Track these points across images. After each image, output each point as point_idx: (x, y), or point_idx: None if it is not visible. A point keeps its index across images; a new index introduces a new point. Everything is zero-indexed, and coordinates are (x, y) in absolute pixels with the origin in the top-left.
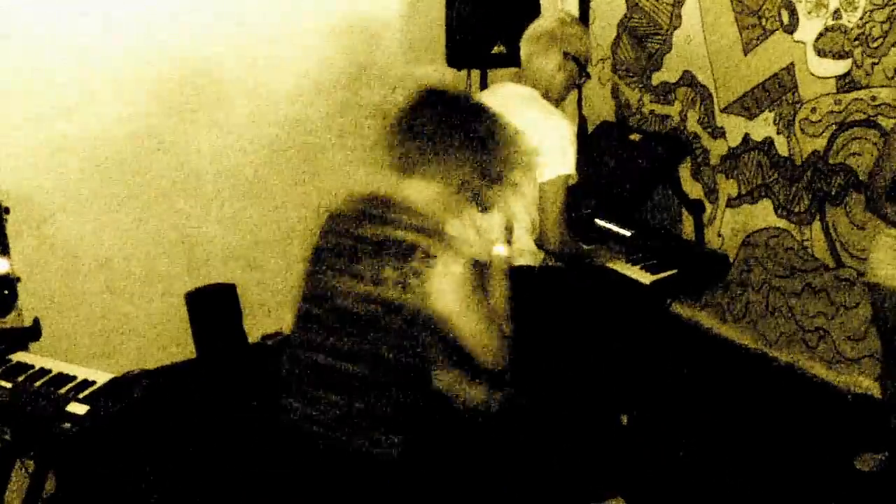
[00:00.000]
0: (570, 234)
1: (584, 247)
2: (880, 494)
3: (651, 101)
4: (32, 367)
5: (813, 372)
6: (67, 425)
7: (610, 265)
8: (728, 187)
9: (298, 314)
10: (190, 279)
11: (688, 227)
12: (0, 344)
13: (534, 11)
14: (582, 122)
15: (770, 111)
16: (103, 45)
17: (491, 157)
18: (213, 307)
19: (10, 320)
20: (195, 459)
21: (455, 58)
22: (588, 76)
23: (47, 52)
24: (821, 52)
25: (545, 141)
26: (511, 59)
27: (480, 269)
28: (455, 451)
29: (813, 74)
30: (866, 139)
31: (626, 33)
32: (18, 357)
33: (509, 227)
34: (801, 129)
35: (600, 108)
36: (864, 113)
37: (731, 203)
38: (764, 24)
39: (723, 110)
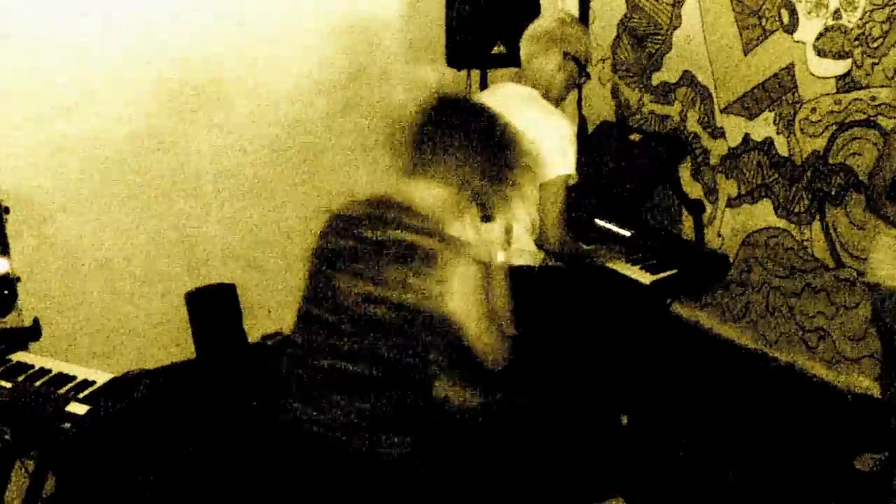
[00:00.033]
0: (570, 234)
1: (584, 247)
2: (880, 494)
3: (651, 101)
4: (32, 366)
5: (813, 372)
6: (67, 425)
7: (610, 265)
8: (728, 187)
9: (300, 315)
10: (190, 279)
11: (688, 227)
12: (0, 344)
13: (534, 11)
14: (582, 122)
15: (770, 111)
16: (103, 45)
17: (495, 160)
18: (212, 307)
19: (10, 320)
20: (195, 459)
21: (455, 58)
22: (588, 76)
23: (47, 52)
24: (821, 52)
25: (545, 141)
26: (511, 59)
27: (482, 271)
28: (456, 451)
29: (813, 74)
30: (866, 139)
31: (626, 33)
32: (18, 357)
33: (508, 229)
34: (801, 129)
35: (600, 108)
36: (864, 113)
37: (731, 203)
38: (764, 24)
39: (723, 110)
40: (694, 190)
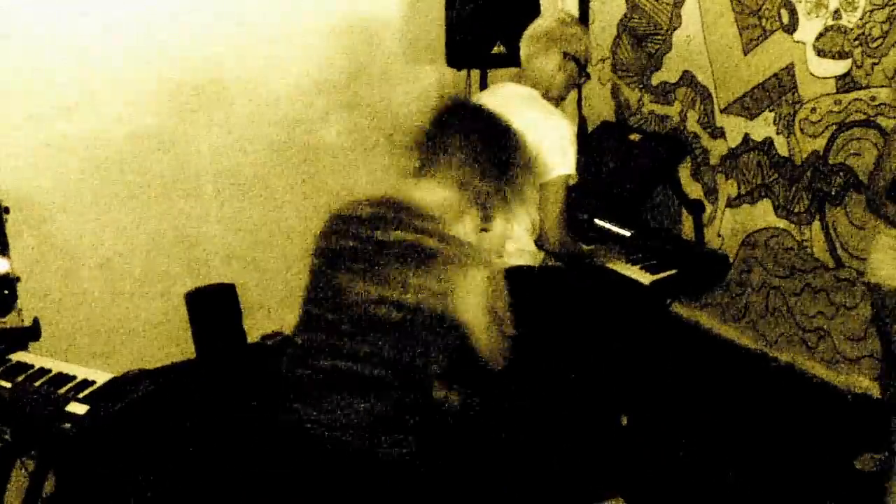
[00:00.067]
0: (570, 235)
1: (584, 247)
2: (880, 495)
3: (651, 101)
4: (32, 366)
5: (813, 372)
6: (67, 425)
7: (610, 265)
8: (728, 187)
9: (303, 315)
10: (190, 279)
11: (688, 227)
12: (0, 344)
13: (534, 11)
14: (582, 122)
15: (770, 111)
16: (103, 45)
17: (496, 161)
18: (212, 307)
19: (9, 320)
20: (195, 459)
21: (455, 58)
22: (588, 76)
23: (47, 52)
24: (821, 53)
25: (545, 141)
26: (511, 59)
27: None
28: (456, 451)
29: (813, 74)
30: (866, 139)
31: (626, 33)
32: (18, 357)
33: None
34: (801, 130)
35: (600, 108)
36: (864, 113)
37: (730, 203)
38: (764, 24)
39: (723, 110)
40: (694, 190)
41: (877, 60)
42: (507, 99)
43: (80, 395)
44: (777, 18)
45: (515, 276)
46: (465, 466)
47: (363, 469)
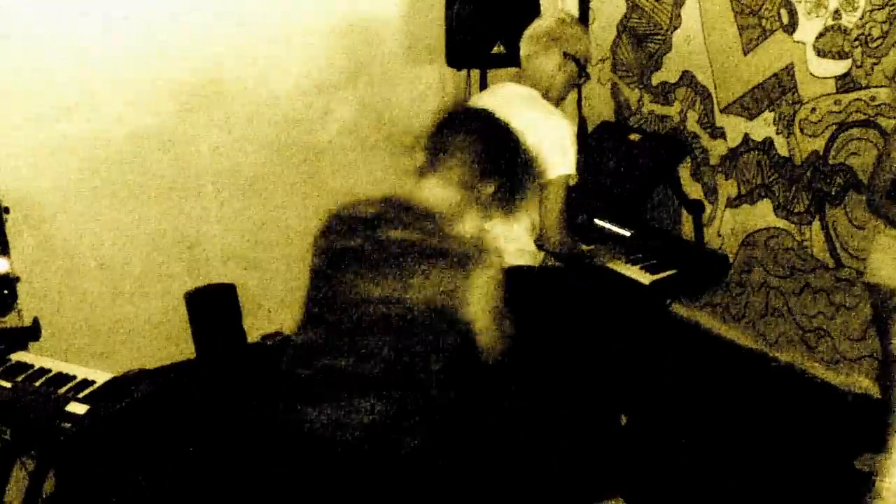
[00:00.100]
0: (570, 235)
1: (584, 247)
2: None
3: (651, 102)
4: (32, 366)
5: (813, 372)
6: (67, 425)
7: (610, 265)
8: (728, 187)
9: (303, 315)
10: (190, 279)
11: (687, 228)
12: (0, 344)
13: (534, 11)
14: (582, 122)
15: (770, 111)
16: (103, 45)
17: (497, 162)
18: (212, 307)
19: (9, 320)
20: (195, 460)
21: (455, 58)
22: (588, 76)
23: (47, 52)
24: (820, 53)
25: (545, 141)
26: (511, 59)
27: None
28: (456, 451)
29: (813, 75)
30: (866, 139)
31: (626, 33)
32: (18, 357)
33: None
34: (801, 130)
35: (600, 108)
36: (864, 113)
37: (730, 203)
38: (764, 24)
39: (722, 110)
40: (694, 190)
41: (877, 60)
42: (507, 99)
43: (80, 395)
44: (777, 18)
45: (515, 276)
46: (465, 466)
47: (363, 469)
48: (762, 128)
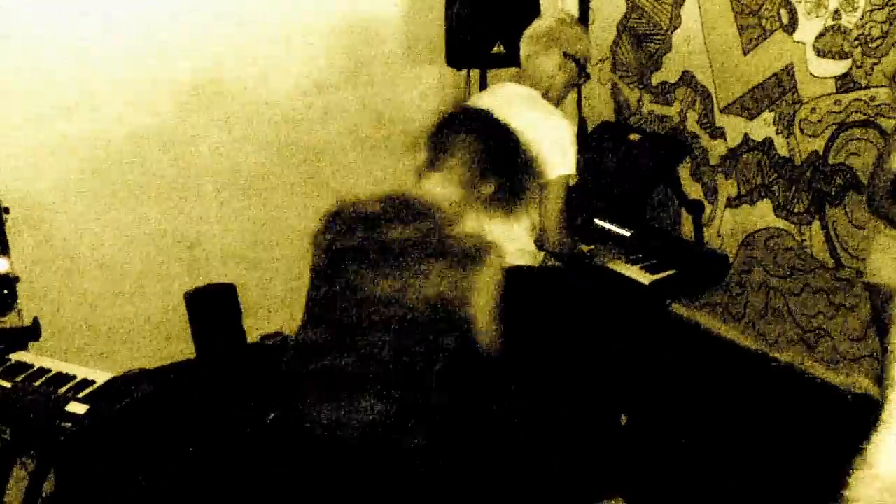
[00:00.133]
0: (570, 234)
1: (584, 247)
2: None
3: (651, 102)
4: (32, 366)
5: (813, 372)
6: (67, 425)
7: (609, 265)
8: (728, 187)
9: (304, 314)
10: (190, 279)
11: (687, 228)
12: (0, 344)
13: (534, 11)
14: (582, 122)
15: (770, 111)
16: (103, 45)
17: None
18: (212, 307)
19: (9, 320)
20: (195, 459)
21: (455, 58)
22: (588, 76)
23: (47, 52)
24: (820, 53)
25: (545, 141)
26: (511, 59)
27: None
28: (456, 451)
29: (812, 75)
30: (866, 139)
31: (626, 33)
32: (18, 357)
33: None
34: (801, 130)
35: (600, 108)
36: (864, 113)
37: (730, 203)
38: (763, 24)
39: (722, 110)
40: (693, 190)
41: (877, 60)
42: (507, 99)
43: (80, 395)
44: (777, 18)
45: (515, 276)
46: (465, 466)
47: (364, 468)
48: (762, 128)
